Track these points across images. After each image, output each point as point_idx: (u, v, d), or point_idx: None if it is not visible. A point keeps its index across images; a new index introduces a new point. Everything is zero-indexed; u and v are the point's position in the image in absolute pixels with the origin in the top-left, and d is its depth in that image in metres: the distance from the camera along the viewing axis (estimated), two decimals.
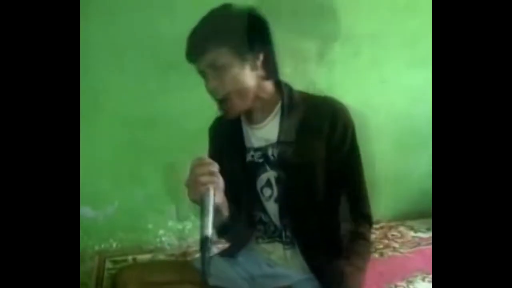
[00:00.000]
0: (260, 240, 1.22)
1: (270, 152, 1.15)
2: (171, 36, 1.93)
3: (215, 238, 1.24)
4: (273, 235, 1.20)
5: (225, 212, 1.08)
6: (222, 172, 1.16)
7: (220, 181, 1.01)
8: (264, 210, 1.19)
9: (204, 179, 0.98)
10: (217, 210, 1.02)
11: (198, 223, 0.97)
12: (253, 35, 1.09)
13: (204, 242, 0.92)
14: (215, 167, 1.00)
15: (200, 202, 0.97)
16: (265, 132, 1.16)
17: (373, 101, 2.23)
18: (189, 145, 1.98)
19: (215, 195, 0.98)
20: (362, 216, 1.16)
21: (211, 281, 1.19)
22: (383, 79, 2.30)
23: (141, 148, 2.07)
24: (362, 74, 2.26)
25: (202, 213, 0.95)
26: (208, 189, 0.97)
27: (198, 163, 1.00)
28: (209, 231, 0.93)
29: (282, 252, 1.20)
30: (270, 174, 1.16)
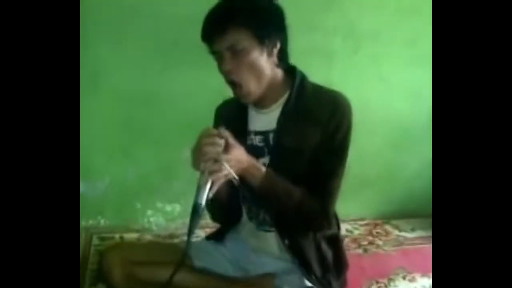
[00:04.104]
0: (253, 221, 1.24)
1: (271, 137, 1.16)
2: (173, 15, 1.94)
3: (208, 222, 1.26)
4: (262, 219, 1.21)
5: (225, 197, 1.10)
6: None
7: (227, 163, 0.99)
8: None
9: (207, 148, 0.98)
10: (217, 194, 1.02)
11: (187, 206, 0.98)
12: (274, 21, 1.09)
13: (196, 207, 0.96)
14: (221, 139, 1.00)
15: (200, 172, 0.99)
16: (270, 118, 1.16)
17: (370, 98, 2.23)
18: (185, 126, 2.00)
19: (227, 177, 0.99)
20: (318, 203, 1.13)
21: (197, 263, 1.22)
22: (382, 77, 2.31)
23: (137, 126, 2.07)
24: (361, 70, 2.26)
25: (200, 182, 0.97)
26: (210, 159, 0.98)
27: (206, 133, 1.01)
28: (203, 199, 0.96)
29: (265, 235, 1.21)
30: (267, 160, 1.16)
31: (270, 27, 1.08)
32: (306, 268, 1.15)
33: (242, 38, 1.04)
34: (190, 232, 0.97)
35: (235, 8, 1.05)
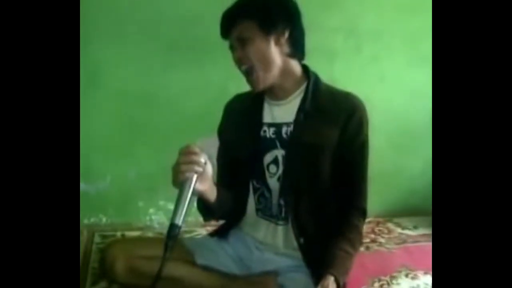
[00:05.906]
0: (260, 214, 1.24)
1: (284, 130, 1.18)
2: (173, 15, 1.93)
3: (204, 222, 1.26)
4: (270, 212, 1.21)
5: (211, 199, 1.09)
6: (231, 145, 1.17)
7: (207, 169, 1.02)
8: (267, 186, 1.20)
9: (184, 167, 0.98)
10: (201, 197, 1.05)
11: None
12: (279, 12, 1.14)
13: (172, 228, 0.94)
14: (200, 157, 1.00)
15: (179, 189, 0.98)
16: (284, 110, 1.19)
17: (372, 98, 2.22)
18: (185, 125, 2.00)
19: (198, 183, 0.99)
20: (357, 209, 1.18)
21: (200, 261, 1.22)
22: (383, 76, 2.31)
23: (137, 125, 2.07)
24: (363, 69, 2.26)
25: (178, 201, 0.97)
26: (187, 178, 0.98)
27: (184, 151, 1.01)
28: (180, 219, 0.95)
29: (274, 229, 1.21)
30: (279, 152, 1.18)
31: (275, 17, 1.13)
32: (316, 270, 1.14)
33: (247, 29, 1.11)
34: (165, 254, 0.94)
35: (241, 5, 1.14)
